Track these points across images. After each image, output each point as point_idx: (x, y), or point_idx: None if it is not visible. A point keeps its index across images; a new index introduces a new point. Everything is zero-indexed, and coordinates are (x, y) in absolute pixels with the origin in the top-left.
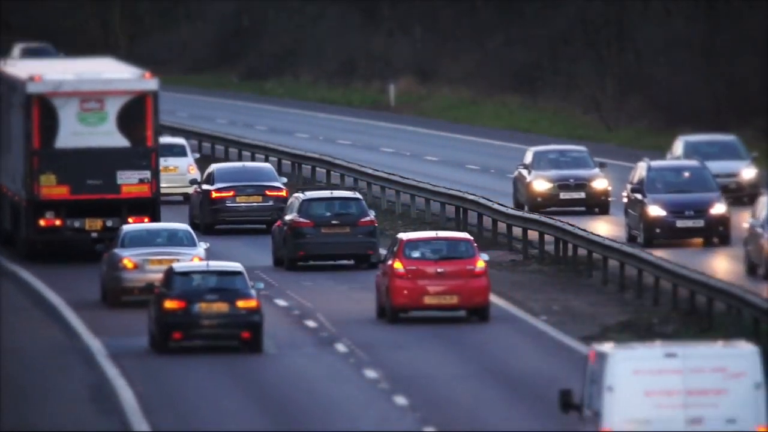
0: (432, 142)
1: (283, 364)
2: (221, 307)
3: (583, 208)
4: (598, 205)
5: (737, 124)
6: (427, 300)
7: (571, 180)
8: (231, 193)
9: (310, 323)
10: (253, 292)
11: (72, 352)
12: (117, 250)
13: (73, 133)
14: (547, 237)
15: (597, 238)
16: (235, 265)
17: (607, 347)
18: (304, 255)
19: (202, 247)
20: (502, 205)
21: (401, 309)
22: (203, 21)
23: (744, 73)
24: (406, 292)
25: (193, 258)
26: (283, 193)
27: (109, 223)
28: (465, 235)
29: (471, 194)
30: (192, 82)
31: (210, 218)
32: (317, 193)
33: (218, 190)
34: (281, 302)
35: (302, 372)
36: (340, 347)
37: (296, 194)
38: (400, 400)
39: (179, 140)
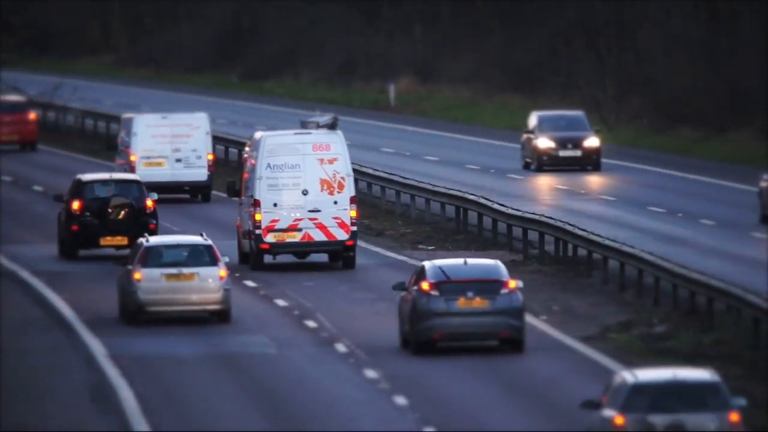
0: (432, 142)
1: (283, 364)
2: None
3: None
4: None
5: (737, 124)
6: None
7: None
8: None
9: (310, 323)
10: None
11: (72, 352)
12: None
13: None
14: (547, 237)
15: (597, 238)
16: None
17: (132, 114)
18: None
19: None
20: (502, 205)
21: None
22: (203, 21)
23: (744, 73)
24: None
25: None
26: None
27: None
28: (22, 98)
29: (471, 194)
30: (192, 82)
31: None
32: None
33: None
34: (281, 302)
35: (302, 372)
36: (340, 347)
37: None
38: (400, 400)
39: None
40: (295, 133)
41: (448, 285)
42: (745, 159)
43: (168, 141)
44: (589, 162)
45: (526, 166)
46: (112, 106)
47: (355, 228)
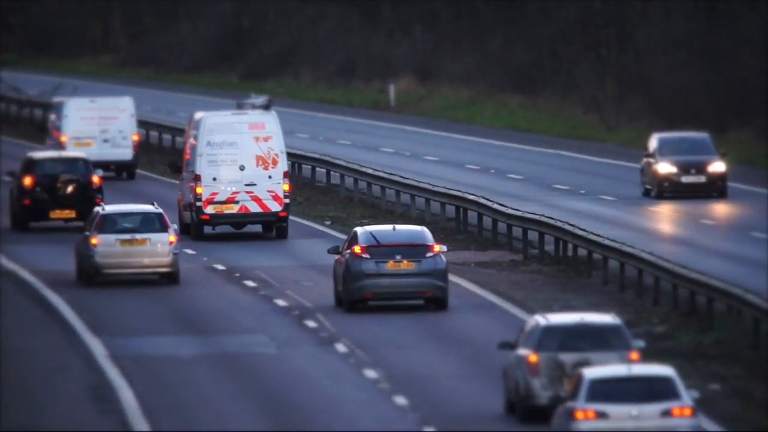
0: (432, 142)
1: (283, 364)
2: None
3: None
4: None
5: (737, 124)
6: None
7: None
8: None
9: (310, 323)
10: None
11: (72, 352)
12: None
13: None
14: (547, 237)
15: (597, 238)
16: None
17: (63, 99)
18: None
19: None
20: (502, 205)
21: None
22: (203, 21)
23: (744, 73)
24: None
25: None
26: None
27: None
28: None
29: (471, 194)
30: (192, 82)
31: None
32: None
33: None
34: (281, 302)
35: (302, 372)
36: (340, 347)
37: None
38: (400, 400)
39: None
40: (233, 114)
41: (378, 249)
42: (745, 159)
43: (96, 123)
44: (714, 188)
45: (646, 193)
46: None
47: (287, 201)
